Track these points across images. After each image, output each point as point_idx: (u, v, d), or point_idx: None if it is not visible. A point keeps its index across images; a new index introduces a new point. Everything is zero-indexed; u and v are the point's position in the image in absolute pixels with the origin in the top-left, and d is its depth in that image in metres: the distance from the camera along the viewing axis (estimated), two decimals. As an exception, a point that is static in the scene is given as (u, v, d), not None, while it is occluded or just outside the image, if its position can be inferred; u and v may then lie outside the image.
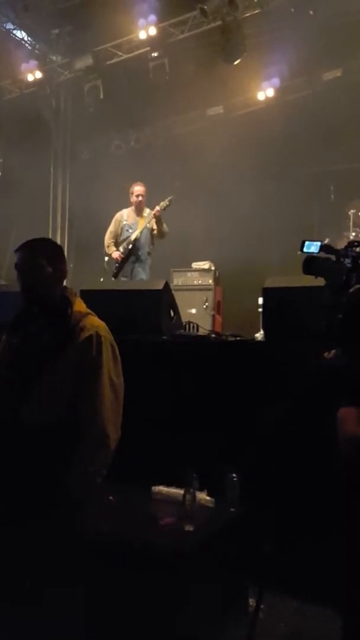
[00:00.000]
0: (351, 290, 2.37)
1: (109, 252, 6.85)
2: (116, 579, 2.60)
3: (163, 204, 6.63)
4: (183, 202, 7.92)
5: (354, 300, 2.33)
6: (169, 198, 6.63)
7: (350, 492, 2.12)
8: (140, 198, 6.80)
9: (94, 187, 9.27)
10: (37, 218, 9.83)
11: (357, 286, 2.39)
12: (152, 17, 8.07)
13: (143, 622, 2.54)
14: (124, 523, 2.85)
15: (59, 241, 9.96)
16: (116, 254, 6.78)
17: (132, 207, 6.88)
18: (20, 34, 9.48)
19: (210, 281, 7.61)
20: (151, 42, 8.28)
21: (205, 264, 7.76)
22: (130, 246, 6.73)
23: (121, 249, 6.79)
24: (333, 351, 2.40)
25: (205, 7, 7.68)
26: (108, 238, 6.93)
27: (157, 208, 6.63)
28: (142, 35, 8.25)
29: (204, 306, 7.41)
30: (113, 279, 6.79)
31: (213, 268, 7.72)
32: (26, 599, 2.17)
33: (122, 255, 6.75)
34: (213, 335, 4.36)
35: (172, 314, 4.22)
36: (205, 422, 3.51)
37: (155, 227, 6.73)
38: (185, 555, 2.63)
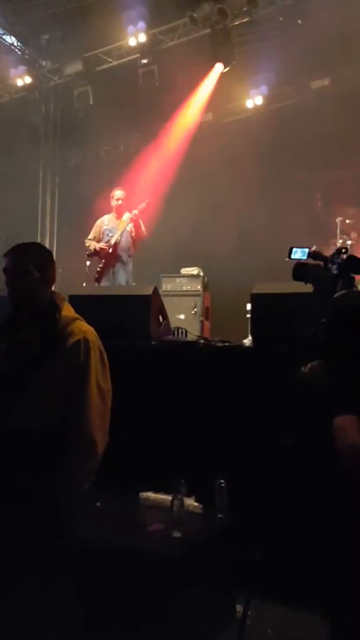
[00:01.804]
0: (335, 295, 2.38)
1: (92, 248, 6.87)
2: (104, 585, 2.59)
3: (140, 207, 6.73)
4: (172, 208, 7.95)
5: (338, 305, 2.34)
6: (146, 201, 6.74)
7: (347, 500, 2.11)
8: (120, 202, 6.91)
9: (83, 193, 9.26)
10: (26, 223, 9.81)
11: (342, 292, 2.40)
12: (142, 24, 8.11)
13: (131, 628, 2.53)
14: (111, 529, 2.84)
15: (47, 246, 9.93)
16: (101, 245, 6.79)
17: (113, 212, 6.95)
18: (10, 39, 9.47)
19: (199, 287, 7.63)
20: (141, 48, 8.32)
21: (194, 270, 7.78)
22: (111, 250, 6.78)
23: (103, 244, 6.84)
24: (309, 365, 2.41)
25: (195, 14, 7.72)
26: (88, 241, 6.97)
27: (135, 212, 6.71)
28: (132, 42, 8.28)
29: (193, 312, 7.42)
30: (96, 284, 6.81)
31: (202, 274, 7.75)
32: (14, 605, 2.15)
33: (105, 247, 6.76)
34: (201, 341, 4.38)
35: (161, 319, 4.23)
36: (193, 428, 3.51)
37: (133, 230, 6.79)
38: (172, 561, 2.62)
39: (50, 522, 2.15)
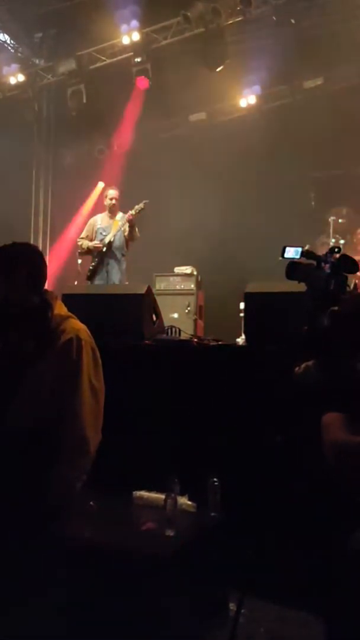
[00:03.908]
0: (346, 297, 2.37)
1: (84, 247, 6.85)
2: (96, 585, 2.58)
3: (138, 207, 6.69)
4: (165, 207, 7.94)
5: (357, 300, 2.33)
6: (144, 202, 6.70)
7: (337, 496, 2.12)
8: (114, 202, 6.91)
9: (77, 191, 9.25)
10: (19, 222, 9.77)
11: (356, 293, 2.41)
12: (135, 23, 8.11)
13: (123, 627, 2.53)
14: (104, 529, 2.83)
15: (40, 245, 9.92)
16: (94, 243, 6.77)
17: (106, 211, 6.94)
18: (2, 37, 9.42)
19: (193, 286, 7.63)
20: (134, 47, 8.31)
21: (187, 269, 7.79)
22: (104, 249, 6.77)
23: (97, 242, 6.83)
24: (303, 365, 2.41)
25: (189, 13, 7.72)
26: (81, 239, 6.96)
27: (132, 212, 6.69)
28: (126, 40, 8.27)
29: (186, 311, 7.42)
30: (88, 282, 6.81)
31: (195, 273, 7.75)
32: (6, 604, 2.15)
33: (99, 245, 6.75)
34: (195, 340, 4.37)
35: (154, 318, 4.22)
36: (186, 427, 3.51)
37: (127, 230, 6.78)
38: (166, 560, 2.62)
39: (42, 520, 2.15)
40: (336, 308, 2.29)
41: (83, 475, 2.27)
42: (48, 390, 2.24)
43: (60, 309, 2.40)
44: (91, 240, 6.89)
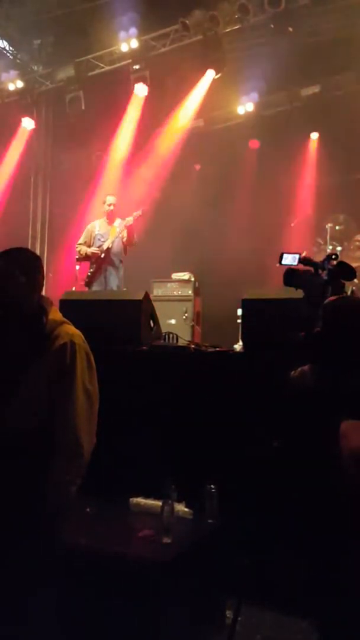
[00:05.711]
0: (326, 302, 2.38)
1: (83, 253, 6.86)
2: (93, 591, 2.58)
3: (136, 214, 6.74)
4: (163, 214, 7.96)
5: (334, 310, 2.34)
6: (142, 208, 6.75)
7: (350, 506, 2.11)
8: (112, 207, 6.93)
9: (75, 198, 9.27)
10: (16, 227, 9.78)
11: (333, 298, 2.41)
12: (133, 30, 8.15)
13: (119, 634, 2.52)
14: (101, 535, 2.83)
15: (38, 250, 9.92)
16: (93, 249, 6.78)
17: (104, 217, 6.97)
18: (1, 43, 9.46)
19: (190, 292, 7.63)
20: (133, 54, 8.35)
21: (185, 275, 7.79)
22: (103, 255, 6.79)
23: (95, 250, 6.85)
24: (299, 369, 2.42)
25: (187, 21, 7.76)
26: (79, 246, 6.98)
27: (130, 219, 6.71)
28: (124, 47, 8.31)
29: (184, 317, 7.42)
30: (87, 288, 6.81)
31: (193, 279, 7.75)
32: (2, 610, 2.14)
33: (97, 252, 6.77)
34: (192, 346, 4.37)
35: (151, 324, 4.23)
36: (184, 433, 3.51)
37: (125, 236, 6.81)
38: (162, 567, 2.62)
39: (37, 525, 2.14)
40: (318, 329, 2.30)
41: (77, 479, 2.26)
42: (42, 394, 2.25)
43: (54, 314, 2.41)
44: (89, 246, 6.90)
